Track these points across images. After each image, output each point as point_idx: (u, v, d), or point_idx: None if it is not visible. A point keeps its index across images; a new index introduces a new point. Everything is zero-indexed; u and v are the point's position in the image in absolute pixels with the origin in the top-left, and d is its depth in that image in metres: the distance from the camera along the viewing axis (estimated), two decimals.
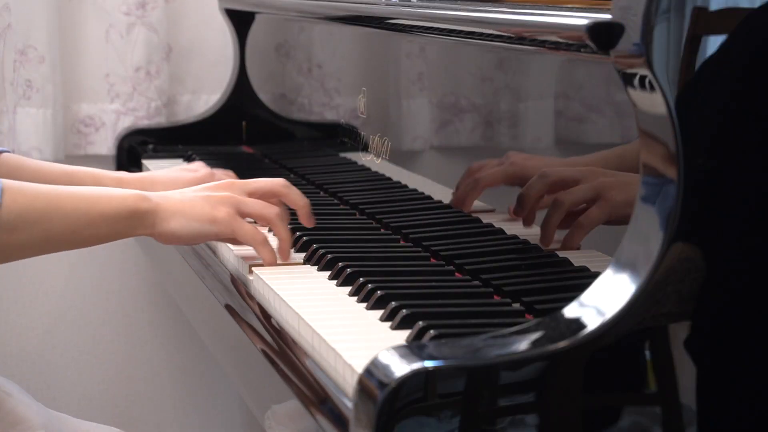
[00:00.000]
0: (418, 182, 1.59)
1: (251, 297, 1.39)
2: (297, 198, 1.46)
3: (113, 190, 1.36)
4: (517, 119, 1.38)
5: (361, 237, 1.54)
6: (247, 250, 1.48)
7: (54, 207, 1.30)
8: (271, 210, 1.42)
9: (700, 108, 1.01)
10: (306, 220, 1.47)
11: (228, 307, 1.41)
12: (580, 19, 1.08)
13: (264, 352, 1.27)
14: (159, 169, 1.78)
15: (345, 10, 1.77)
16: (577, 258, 1.22)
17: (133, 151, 2.27)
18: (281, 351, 1.24)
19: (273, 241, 1.45)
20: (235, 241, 1.45)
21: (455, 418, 0.96)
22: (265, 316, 1.33)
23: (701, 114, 1.01)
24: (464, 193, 1.44)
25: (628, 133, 1.12)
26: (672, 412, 1.03)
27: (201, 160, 2.09)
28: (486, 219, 1.40)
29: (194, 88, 2.42)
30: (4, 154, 1.63)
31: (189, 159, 2.18)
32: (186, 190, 1.41)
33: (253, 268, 1.42)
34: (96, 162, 2.30)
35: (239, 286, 1.43)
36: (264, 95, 2.24)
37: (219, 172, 1.71)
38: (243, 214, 1.41)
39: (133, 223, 1.34)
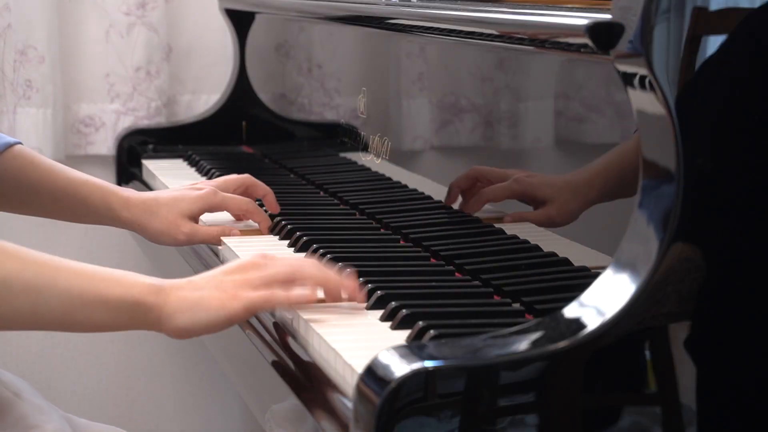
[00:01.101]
0: (418, 182, 1.59)
1: None
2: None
3: (124, 274, 1.23)
4: (517, 119, 1.38)
5: (361, 237, 1.54)
6: (243, 247, 1.48)
7: (46, 280, 1.18)
8: (282, 270, 1.25)
9: (700, 108, 1.01)
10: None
11: None
12: (580, 19, 1.08)
13: (263, 352, 1.27)
14: (163, 189, 1.74)
15: (345, 10, 1.77)
16: (575, 257, 1.23)
17: (133, 151, 2.27)
18: (281, 351, 1.24)
19: None
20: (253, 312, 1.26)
21: (455, 418, 0.96)
22: (263, 316, 1.32)
23: (701, 114, 1.01)
24: (467, 206, 1.44)
25: (628, 133, 1.12)
26: (672, 412, 1.03)
27: (201, 160, 2.10)
28: (486, 219, 1.40)
29: (194, 88, 2.42)
30: (17, 147, 1.61)
31: (189, 159, 2.18)
32: (202, 276, 1.25)
33: None
34: (96, 162, 2.30)
35: None
36: (264, 95, 2.24)
37: (231, 179, 1.64)
38: (260, 287, 1.23)
39: (136, 316, 1.20)
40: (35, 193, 1.60)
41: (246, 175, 1.64)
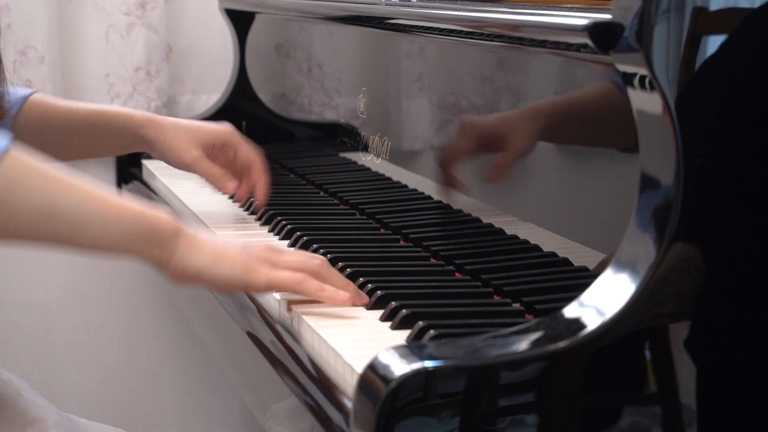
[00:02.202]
0: (418, 182, 1.59)
1: (250, 297, 1.39)
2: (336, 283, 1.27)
3: (143, 204, 1.18)
4: None
5: (361, 237, 1.54)
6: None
7: (66, 179, 1.13)
8: (314, 261, 1.25)
9: (700, 108, 1.01)
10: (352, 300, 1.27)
11: (227, 308, 1.41)
12: (580, 19, 1.08)
13: (263, 351, 1.27)
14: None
15: (345, 10, 1.77)
16: (575, 257, 1.23)
17: None
18: (280, 351, 1.24)
19: None
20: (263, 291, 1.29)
21: (455, 418, 0.96)
22: (265, 316, 1.32)
23: (701, 114, 1.01)
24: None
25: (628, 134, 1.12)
26: (672, 412, 1.03)
27: None
28: (486, 218, 1.40)
29: (194, 88, 2.42)
30: (35, 96, 1.65)
31: None
32: (227, 240, 1.23)
33: None
34: (96, 162, 2.30)
35: None
36: (264, 95, 2.23)
37: (246, 148, 1.71)
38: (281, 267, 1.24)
39: (151, 240, 1.16)
40: (57, 134, 1.67)
41: (260, 160, 1.69)
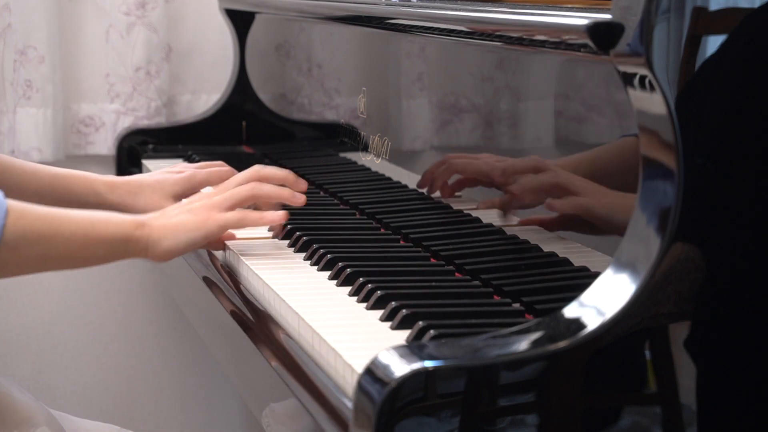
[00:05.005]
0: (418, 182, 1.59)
1: (249, 296, 1.39)
2: (277, 174, 1.53)
3: (110, 215, 1.40)
4: (517, 119, 1.38)
5: (361, 237, 1.54)
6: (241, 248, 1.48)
7: (54, 230, 1.32)
8: (251, 173, 1.51)
9: (700, 108, 1.01)
10: (296, 186, 1.53)
11: (227, 306, 1.41)
12: (580, 19, 1.08)
13: (263, 351, 1.27)
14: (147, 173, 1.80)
15: (345, 10, 1.77)
16: (575, 257, 1.23)
17: (133, 151, 2.27)
18: (281, 351, 1.24)
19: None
20: (221, 243, 1.52)
21: (455, 418, 0.96)
22: (265, 315, 1.32)
23: (701, 114, 1.01)
24: (434, 175, 1.51)
25: (628, 133, 1.12)
26: (672, 412, 1.03)
27: (201, 160, 2.10)
28: (486, 218, 1.40)
29: (194, 88, 2.42)
30: None
31: (189, 159, 2.18)
32: (172, 207, 1.47)
33: (249, 263, 1.42)
34: (96, 162, 2.30)
35: (236, 285, 1.43)
36: (264, 95, 2.24)
37: (208, 164, 1.73)
38: (227, 208, 1.46)
39: (127, 248, 1.38)
40: (20, 193, 1.63)
41: (228, 169, 1.69)
